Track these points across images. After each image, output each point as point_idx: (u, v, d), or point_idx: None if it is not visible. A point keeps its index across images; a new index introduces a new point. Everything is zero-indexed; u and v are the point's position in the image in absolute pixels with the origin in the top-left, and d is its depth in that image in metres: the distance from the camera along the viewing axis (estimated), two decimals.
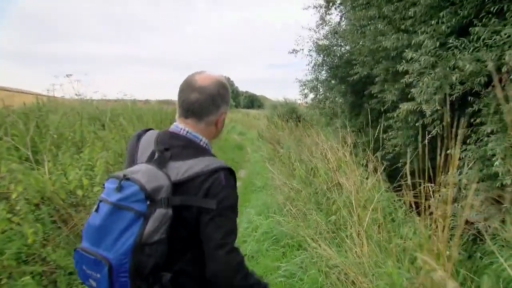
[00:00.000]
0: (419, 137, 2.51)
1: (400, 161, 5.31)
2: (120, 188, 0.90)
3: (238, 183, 6.26)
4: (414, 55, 3.28)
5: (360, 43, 5.74)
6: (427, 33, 3.57)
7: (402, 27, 4.26)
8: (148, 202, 0.89)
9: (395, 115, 4.91)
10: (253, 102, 61.90)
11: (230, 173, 1.02)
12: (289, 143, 5.18)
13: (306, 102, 8.57)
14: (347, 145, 3.49)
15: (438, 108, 3.14)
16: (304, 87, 8.56)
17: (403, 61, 4.00)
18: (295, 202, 3.29)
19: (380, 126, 6.68)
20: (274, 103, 19.62)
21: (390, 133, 5.32)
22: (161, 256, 0.91)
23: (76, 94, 9.08)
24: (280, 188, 4.07)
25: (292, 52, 6.97)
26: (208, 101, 1.05)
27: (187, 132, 1.06)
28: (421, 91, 3.32)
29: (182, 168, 0.97)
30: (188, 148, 1.03)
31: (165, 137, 1.05)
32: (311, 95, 8.62)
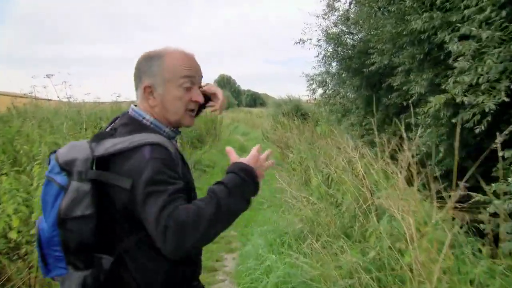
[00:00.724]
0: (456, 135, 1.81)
1: (430, 164, 4.57)
2: (48, 161, 0.94)
3: None
4: (473, 29, 2.47)
5: (379, 28, 4.94)
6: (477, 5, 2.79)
7: (438, 2, 3.47)
8: (65, 175, 0.88)
9: (425, 110, 4.14)
10: (256, 100, 61.19)
11: (158, 146, 0.92)
12: (300, 146, 4.42)
13: (315, 99, 7.78)
14: (385, 154, 2.73)
15: (505, 99, 2.36)
16: (311, 82, 7.79)
17: (446, 42, 3.21)
18: (315, 227, 2.54)
19: (401, 123, 5.87)
20: (278, 101, 18.91)
21: (416, 131, 4.56)
22: (85, 234, 0.88)
23: (65, 97, 8.38)
24: (294, 205, 3.31)
25: (299, 42, 6.20)
26: (135, 74, 1.06)
27: (132, 109, 1.05)
28: (477, 78, 2.54)
29: (109, 144, 0.92)
30: (128, 125, 1.00)
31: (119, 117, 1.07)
32: (320, 91, 7.84)
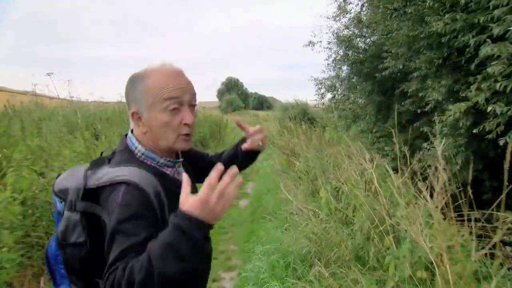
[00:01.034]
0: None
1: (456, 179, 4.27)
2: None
3: (245, 202, 5.22)
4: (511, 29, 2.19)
5: (393, 31, 4.66)
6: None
7: (462, 2, 3.19)
8: (61, 202, 0.93)
9: (443, 119, 3.86)
10: (263, 103, 61.00)
11: (133, 188, 0.85)
12: (307, 154, 4.15)
13: (323, 103, 7.50)
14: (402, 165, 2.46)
15: None
16: (320, 86, 7.53)
17: (468, 46, 2.94)
18: (323, 248, 2.28)
19: (410, 130, 5.58)
20: (285, 105, 18.66)
21: (431, 141, 4.27)
22: (81, 259, 0.89)
23: (68, 96, 8.23)
24: (299, 218, 3.05)
25: (308, 45, 5.95)
26: (125, 98, 1.01)
27: (128, 137, 1.00)
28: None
29: (100, 175, 0.91)
30: (122, 153, 0.98)
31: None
32: (329, 95, 7.57)
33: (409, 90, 4.81)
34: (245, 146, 1.21)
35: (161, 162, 0.97)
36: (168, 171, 1.00)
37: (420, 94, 4.58)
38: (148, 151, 0.96)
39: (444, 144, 4.26)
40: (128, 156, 0.95)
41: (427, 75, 4.40)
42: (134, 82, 0.95)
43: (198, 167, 1.16)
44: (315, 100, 7.54)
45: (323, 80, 7.49)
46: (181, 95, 0.93)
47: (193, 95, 0.97)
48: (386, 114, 6.08)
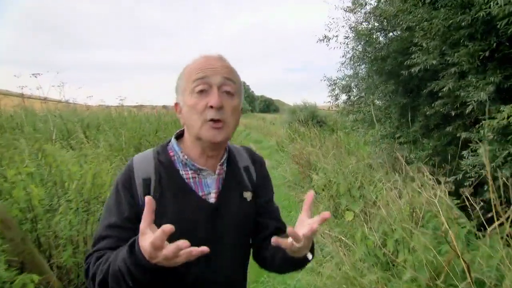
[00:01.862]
0: None
1: (486, 188, 3.59)
2: None
3: None
4: None
5: (423, 21, 4.00)
6: None
7: None
8: None
9: (493, 123, 3.20)
10: (269, 106, 60.43)
11: (126, 166, 0.94)
12: (326, 165, 3.50)
13: (337, 105, 6.84)
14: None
15: None
16: (334, 87, 6.88)
17: None
18: None
19: (441, 136, 4.88)
20: (293, 108, 18.04)
21: (471, 148, 3.59)
22: None
23: (62, 99, 7.70)
24: (321, 248, 2.40)
25: (323, 40, 5.30)
26: None
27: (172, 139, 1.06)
28: None
29: None
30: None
31: None
32: (344, 97, 6.91)
33: (441, 90, 4.16)
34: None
35: (181, 158, 0.96)
36: (187, 173, 0.95)
37: (457, 93, 3.91)
38: (177, 145, 0.97)
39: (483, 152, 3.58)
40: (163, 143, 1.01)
41: (466, 71, 3.74)
42: (180, 76, 0.95)
43: (258, 215, 1.07)
44: (329, 102, 6.86)
45: (337, 80, 6.84)
46: (209, 75, 0.89)
47: (226, 78, 0.91)
48: (411, 117, 5.40)
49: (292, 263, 0.91)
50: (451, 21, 3.47)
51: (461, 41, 3.59)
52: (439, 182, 2.78)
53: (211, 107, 0.87)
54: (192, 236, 0.80)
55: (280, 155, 6.29)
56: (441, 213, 1.69)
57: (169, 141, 1.00)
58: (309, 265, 2.78)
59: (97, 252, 0.84)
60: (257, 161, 1.12)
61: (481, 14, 3.11)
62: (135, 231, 0.76)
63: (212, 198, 0.96)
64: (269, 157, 8.75)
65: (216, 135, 0.89)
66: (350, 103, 6.74)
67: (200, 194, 0.95)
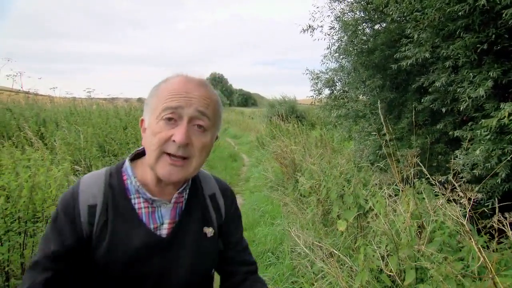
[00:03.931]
0: None
1: (483, 189, 3.41)
2: None
3: None
4: None
5: (414, 12, 3.73)
6: None
7: None
8: None
9: (491, 122, 3.00)
10: (247, 100, 59.99)
11: (68, 190, 0.87)
12: (312, 166, 3.17)
13: (320, 100, 6.56)
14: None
15: None
16: (317, 81, 6.59)
17: None
18: None
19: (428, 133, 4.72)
20: (272, 102, 17.73)
21: (464, 146, 3.38)
22: None
23: (21, 90, 7.03)
24: (315, 265, 2.09)
25: (307, 30, 4.95)
26: None
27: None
28: None
29: None
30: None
31: None
32: (327, 91, 6.64)
33: (431, 85, 3.93)
34: None
35: (133, 183, 0.87)
36: (138, 202, 0.86)
37: (449, 89, 3.69)
38: (131, 169, 0.89)
39: (479, 151, 3.38)
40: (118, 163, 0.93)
41: (460, 65, 3.51)
42: (152, 88, 0.87)
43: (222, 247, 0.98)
44: (311, 96, 6.56)
45: (320, 74, 6.55)
46: (182, 106, 0.80)
47: (200, 112, 0.81)
48: (398, 113, 5.18)
49: None
50: (447, 10, 3.20)
51: (457, 32, 3.34)
52: (431, 184, 2.53)
53: (175, 141, 0.79)
54: (133, 271, 0.82)
55: (261, 152, 5.95)
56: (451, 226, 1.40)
57: (124, 162, 0.91)
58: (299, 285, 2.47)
59: (28, 275, 0.77)
60: (227, 193, 1.01)
61: (482, 3, 2.86)
62: (75, 261, 0.79)
63: (164, 230, 0.88)
64: (248, 153, 8.35)
65: (172, 173, 0.81)
66: (333, 97, 6.47)
67: (152, 226, 0.86)
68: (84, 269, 0.82)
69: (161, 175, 0.81)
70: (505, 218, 1.23)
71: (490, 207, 2.87)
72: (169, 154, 0.80)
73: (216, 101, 0.86)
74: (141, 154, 0.92)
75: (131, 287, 0.83)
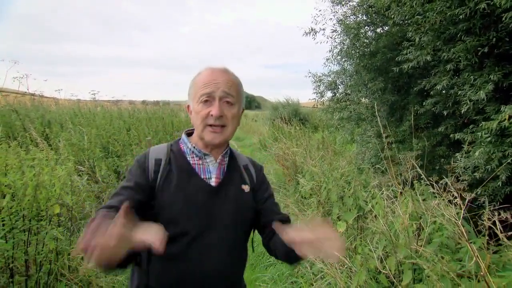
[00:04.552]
0: None
1: (485, 192, 3.40)
2: None
3: None
4: None
5: (415, 15, 3.75)
6: None
7: None
8: None
9: (492, 125, 3.00)
10: (251, 103, 60.16)
11: (143, 154, 1.14)
12: (314, 168, 3.19)
13: (323, 103, 6.57)
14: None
15: None
16: (319, 84, 6.60)
17: None
18: None
19: (431, 136, 4.70)
20: (275, 104, 17.76)
21: (465, 149, 3.38)
22: None
23: (27, 92, 7.11)
24: (315, 266, 2.10)
25: (309, 33, 4.98)
26: None
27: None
28: None
29: None
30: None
31: None
32: (329, 94, 6.65)
33: (432, 88, 3.94)
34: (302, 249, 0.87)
35: (189, 146, 1.15)
36: (193, 159, 1.14)
37: (450, 92, 3.70)
38: (186, 138, 1.18)
39: (477, 154, 3.38)
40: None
41: (461, 68, 3.52)
42: (191, 81, 1.15)
43: (258, 208, 1.19)
44: (314, 99, 6.59)
45: (323, 77, 6.57)
46: (213, 90, 1.08)
47: (226, 92, 1.09)
48: (400, 116, 5.19)
49: (289, 256, 1.06)
50: (448, 14, 3.22)
51: (458, 35, 3.35)
52: (432, 186, 2.54)
53: (212, 115, 1.07)
54: (189, 209, 1.05)
55: (263, 154, 5.97)
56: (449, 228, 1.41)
57: (180, 137, 1.20)
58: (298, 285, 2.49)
59: (106, 209, 0.97)
60: (257, 165, 1.28)
61: (482, 6, 2.88)
62: (143, 196, 1.04)
63: (212, 182, 1.12)
64: (251, 155, 8.39)
65: (215, 138, 1.09)
66: (335, 100, 6.48)
67: (202, 177, 1.11)
68: (149, 210, 1.03)
69: (207, 140, 1.09)
70: (495, 215, 1.25)
71: (492, 209, 2.87)
72: (210, 125, 1.07)
73: (237, 83, 1.14)
74: (191, 133, 1.19)
75: (186, 226, 1.03)
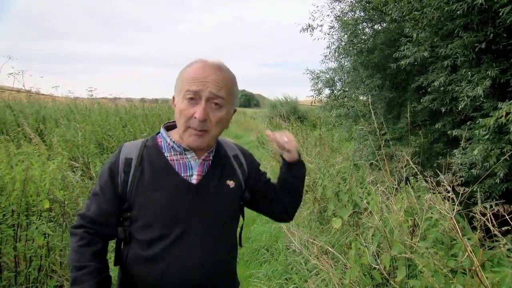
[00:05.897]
0: None
1: (482, 189, 3.38)
2: None
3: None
4: None
5: (412, 11, 3.72)
6: None
7: None
8: None
9: (489, 121, 2.98)
10: (250, 100, 60.06)
11: (116, 152, 1.09)
12: (310, 164, 3.16)
13: (321, 100, 6.55)
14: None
15: None
16: (317, 81, 6.57)
17: None
18: None
19: (427, 133, 4.69)
20: (274, 102, 17.72)
21: (462, 146, 3.37)
22: None
23: (23, 89, 7.07)
24: (309, 263, 2.08)
25: (306, 29, 4.95)
26: None
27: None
28: None
29: None
30: None
31: None
32: (327, 91, 6.62)
33: (430, 85, 3.92)
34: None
35: (167, 141, 1.06)
36: (171, 155, 1.05)
37: (448, 88, 3.68)
38: (165, 132, 1.09)
39: (476, 151, 3.36)
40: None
41: (459, 64, 3.49)
42: (180, 71, 1.05)
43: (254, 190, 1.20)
44: (311, 96, 6.56)
45: (320, 74, 6.54)
46: (200, 89, 0.97)
47: (214, 94, 0.98)
48: (397, 113, 5.16)
49: (291, 173, 1.20)
50: (446, 9, 3.19)
51: (455, 31, 3.33)
52: (426, 181, 2.53)
53: (195, 118, 0.97)
54: (166, 212, 0.99)
55: (261, 151, 5.95)
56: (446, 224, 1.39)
57: (159, 132, 1.12)
58: (292, 283, 2.47)
59: (83, 219, 1.01)
60: (246, 152, 1.24)
61: (480, 1, 2.85)
62: (112, 206, 1.01)
63: (194, 180, 1.04)
64: (249, 150, 8.33)
65: (195, 141, 1.00)
66: (333, 97, 6.46)
67: (182, 175, 1.03)
68: (121, 213, 1.02)
69: (187, 143, 1.01)
70: (487, 208, 1.23)
71: (484, 205, 2.85)
72: (191, 128, 0.99)
73: (230, 82, 1.03)
74: (173, 126, 1.11)
75: (164, 231, 0.98)
